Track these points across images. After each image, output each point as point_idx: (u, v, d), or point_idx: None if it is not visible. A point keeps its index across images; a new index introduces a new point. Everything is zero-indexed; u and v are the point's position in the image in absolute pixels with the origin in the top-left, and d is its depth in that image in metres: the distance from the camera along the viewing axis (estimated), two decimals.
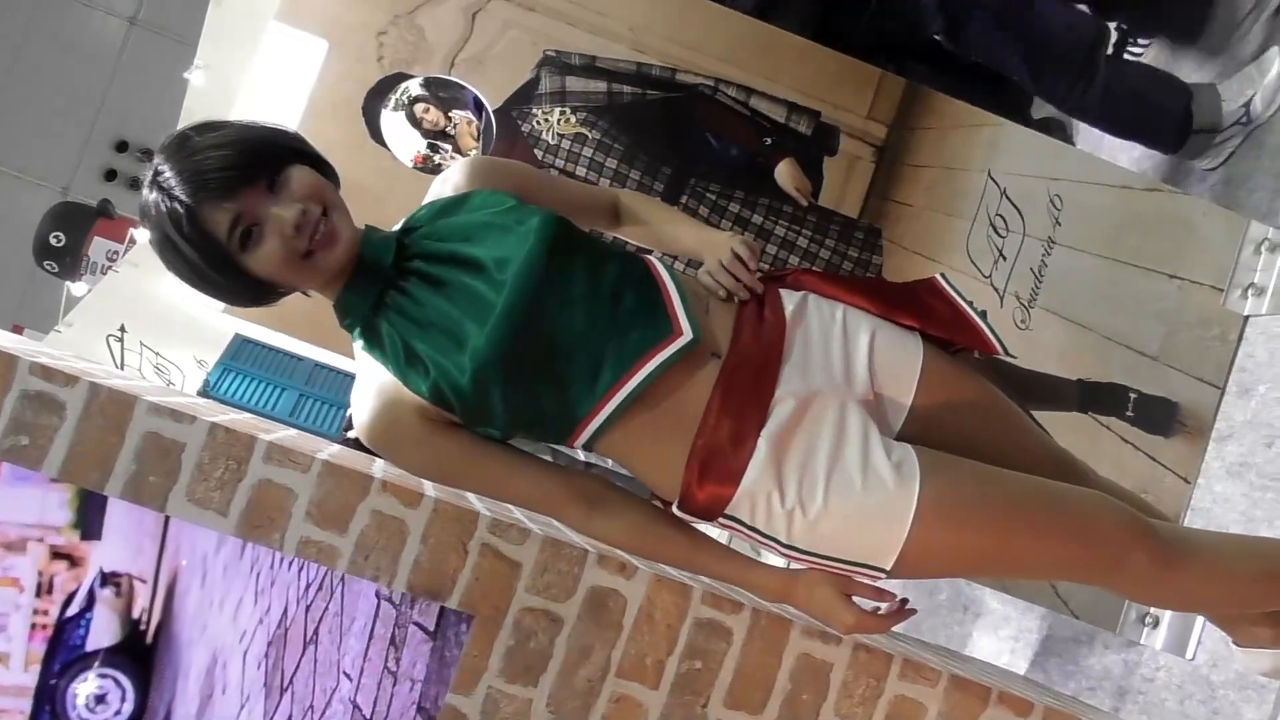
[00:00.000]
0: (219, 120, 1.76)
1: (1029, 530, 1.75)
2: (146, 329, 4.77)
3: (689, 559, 1.86)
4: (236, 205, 1.66)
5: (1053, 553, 1.78)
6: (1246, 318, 2.79)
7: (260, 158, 1.69)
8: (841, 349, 1.83)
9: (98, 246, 4.51)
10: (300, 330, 2.78)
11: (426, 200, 1.91)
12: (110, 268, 4.45)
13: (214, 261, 1.69)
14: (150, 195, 1.70)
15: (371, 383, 1.77)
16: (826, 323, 1.85)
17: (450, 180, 1.91)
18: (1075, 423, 2.75)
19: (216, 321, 4.96)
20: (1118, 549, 1.76)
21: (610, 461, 2.65)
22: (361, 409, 1.78)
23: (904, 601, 1.82)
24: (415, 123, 2.82)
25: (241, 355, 5.38)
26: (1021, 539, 1.75)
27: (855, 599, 1.80)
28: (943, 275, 1.97)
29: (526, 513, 2.22)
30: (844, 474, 1.72)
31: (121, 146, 7.01)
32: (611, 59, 2.82)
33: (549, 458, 1.93)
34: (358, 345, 1.80)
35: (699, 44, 2.84)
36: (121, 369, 4.66)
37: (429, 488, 2.00)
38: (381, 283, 1.78)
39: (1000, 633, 3.32)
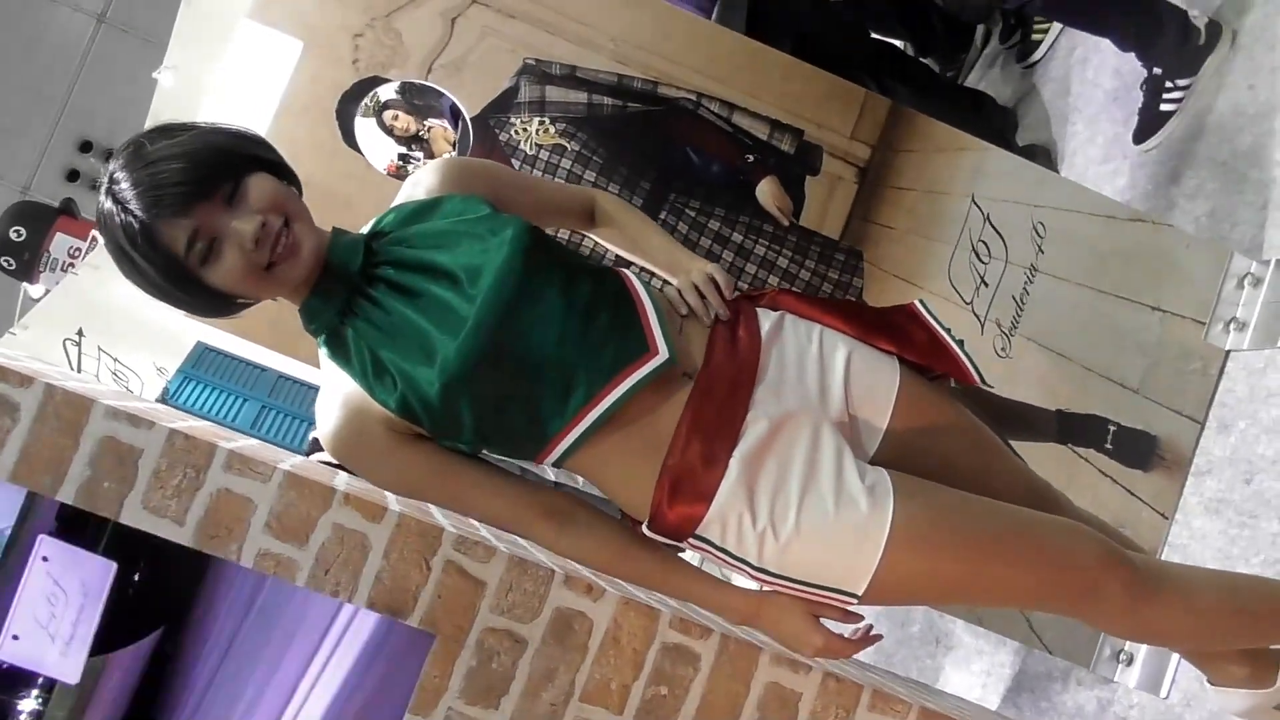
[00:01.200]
0: (177, 124, 1.70)
1: (1003, 556, 1.73)
2: (105, 333, 4.70)
3: (658, 579, 1.82)
4: (193, 221, 1.61)
5: (1026, 580, 1.76)
6: (1228, 352, 2.78)
7: (217, 169, 1.63)
8: (817, 369, 1.81)
9: (60, 243, 4.43)
10: (262, 336, 2.72)
11: (396, 202, 1.87)
12: (71, 265, 4.37)
13: (172, 276, 1.65)
14: (106, 204, 1.64)
15: (337, 392, 1.72)
16: (802, 343, 1.83)
17: (422, 183, 1.87)
18: (1053, 454, 2.73)
19: (178, 328, 4.91)
20: (1092, 578, 1.74)
21: (580, 481, 2.62)
22: (326, 419, 1.73)
23: (869, 627, 1.80)
24: (386, 130, 2.77)
25: (203, 364, 5.33)
26: (995, 565, 1.73)
27: (824, 622, 1.78)
28: (921, 301, 1.95)
29: (493, 530, 2.18)
30: (817, 496, 1.69)
31: (85, 147, 6.92)
32: (592, 70, 2.79)
33: (518, 473, 1.89)
34: (323, 352, 1.75)
35: (682, 57, 2.81)
36: (78, 374, 4.58)
37: (392, 501, 1.96)
38: (348, 289, 1.74)
39: (973, 667, 3.29)
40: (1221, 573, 2.04)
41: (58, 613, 1.82)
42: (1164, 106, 3.38)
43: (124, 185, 1.61)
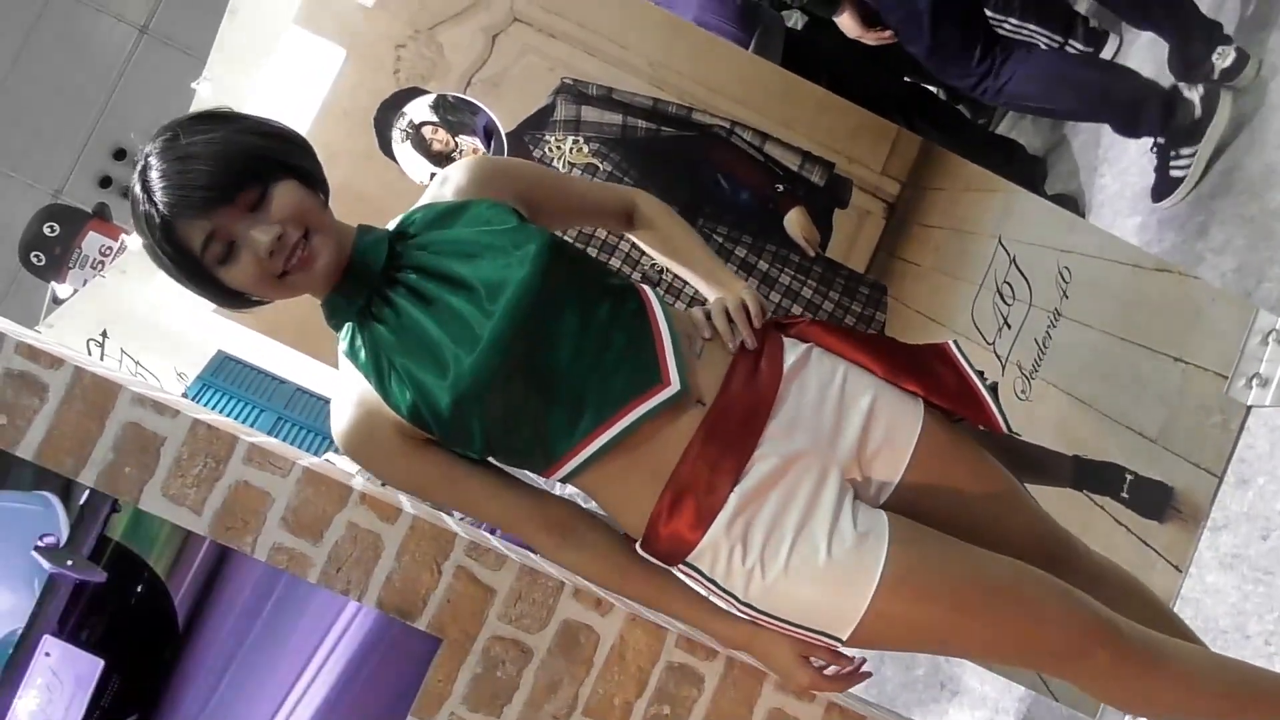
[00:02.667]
0: (218, 113, 1.71)
1: (990, 614, 1.71)
2: (129, 336, 4.73)
3: (654, 598, 1.83)
4: (211, 223, 1.62)
5: (1012, 639, 1.74)
6: (1249, 408, 2.77)
7: (243, 175, 1.63)
8: (835, 410, 1.79)
9: (92, 241, 4.49)
10: (289, 336, 2.73)
11: (425, 199, 1.86)
12: (102, 262, 4.41)
13: (186, 270, 1.67)
14: (135, 188, 1.66)
15: (353, 390, 1.73)
16: (825, 381, 1.81)
17: (451, 181, 1.86)
18: (1068, 500, 2.72)
19: (200, 336, 4.92)
20: (1079, 645, 1.72)
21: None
22: (340, 416, 1.74)
23: (860, 663, 1.80)
24: (424, 146, 2.79)
25: (222, 372, 5.34)
26: (981, 622, 1.71)
27: (812, 659, 1.79)
28: (955, 343, 1.92)
29: (505, 539, 2.18)
30: (810, 541, 1.69)
31: (119, 154, 6.98)
32: (629, 92, 2.81)
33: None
34: (342, 347, 1.77)
35: (718, 85, 2.83)
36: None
37: (407, 503, 1.96)
38: (370, 288, 1.74)
39: (976, 713, 3.27)
40: (1215, 654, 2.00)
41: (55, 698, 1.89)
42: (1174, 173, 3.44)
43: (153, 175, 1.62)
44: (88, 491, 1.86)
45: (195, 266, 1.65)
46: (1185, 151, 3.39)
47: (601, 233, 2.72)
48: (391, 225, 1.82)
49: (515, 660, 1.91)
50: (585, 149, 2.80)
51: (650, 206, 2.01)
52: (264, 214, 1.64)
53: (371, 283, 1.74)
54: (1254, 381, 2.79)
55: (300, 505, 1.87)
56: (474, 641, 1.90)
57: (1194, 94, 3.29)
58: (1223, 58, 3.28)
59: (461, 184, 1.84)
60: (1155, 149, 3.48)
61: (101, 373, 1.87)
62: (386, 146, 2.76)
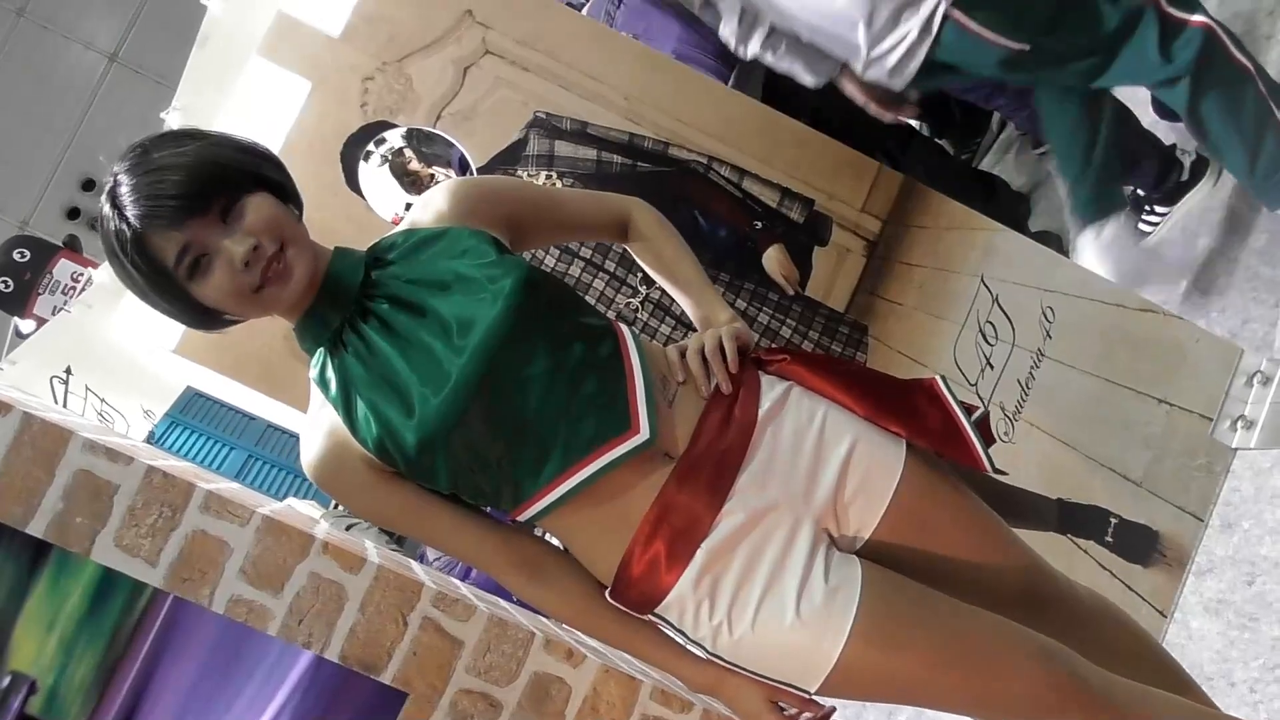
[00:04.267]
0: (187, 131, 1.68)
1: (959, 670, 1.68)
2: (94, 373, 4.66)
3: (621, 640, 1.81)
4: (185, 235, 1.59)
5: (981, 696, 1.70)
6: (1235, 450, 2.74)
7: (215, 185, 1.61)
8: (811, 457, 1.74)
9: (64, 268, 4.47)
10: (252, 378, 2.66)
11: (406, 223, 1.82)
12: (73, 289, 4.37)
13: (159, 287, 1.64)
14: (105, 206, 1.63)
15: (323, 420, 1.71)
16: (802, 426, 1.76)
17: (433, 205, 1.82)
18: (1052, 543, 2.68)
19: (168, 373, 4.85)
20: (1049, 704, 1.68)
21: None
22: (309, 445, 1.72)
23: (830, 711, 1.78)
24: (403, 173, 2.74)
25: (191, 409, 5.27)
26: (950, 677, 1.68)
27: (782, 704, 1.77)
28: (943, 378, 1.86)
29: (474, 589, 2.12)
30: (778, 599, 1.66)
31: (88, 185, 6.94)
32: (603, 127, 2.78)
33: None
34: (312, 374, 1.74)
35: (695, 120, 2.80)
36: (63, 409, 4.52)
37: (372, 553, 1.90)
38: (344, 313, 1.72)
39: None
40: (1193, 708, 1.95)
41: None
42: (1142, 225, 3.43)
43: (123, 190, 1.59)
44: (9, 677, 1.81)
45: (168, 282, 1.62)
46: (1160, 210, 3.39)
47: (586, 251, 2.68)
48: (371, 246, 1.80)
49: (484, 714, 1.85)
50: (559, 184, 2.76)
51: (645, 218, 1.96)
52: (238, 225, 1.61)
53: (346, 307, 1.72)
54: (1239, 424, 2.76)
55: (260, 555, 1.81)
56: (441, 695, 1.84)
57: (1186, 159, 3.28)
58: None
59: (443, 209, 1.81)
60: (1132, 197, 3.47)
61: (51, 418, 1.80)
62: (353, 180, 2.71)
